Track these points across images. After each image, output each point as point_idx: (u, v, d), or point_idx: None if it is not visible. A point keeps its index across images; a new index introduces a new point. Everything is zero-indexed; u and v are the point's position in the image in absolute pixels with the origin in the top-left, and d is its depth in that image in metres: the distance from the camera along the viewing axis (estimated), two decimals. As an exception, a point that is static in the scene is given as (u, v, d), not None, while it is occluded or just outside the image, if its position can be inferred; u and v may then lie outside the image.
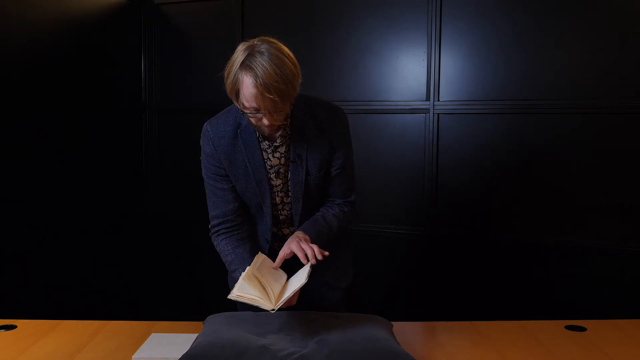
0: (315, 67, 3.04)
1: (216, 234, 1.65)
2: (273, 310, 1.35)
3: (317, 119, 1.58)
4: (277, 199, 1.63)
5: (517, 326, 1.63)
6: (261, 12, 3.19)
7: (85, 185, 3.06)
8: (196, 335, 1.46)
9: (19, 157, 2.64)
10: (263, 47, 1.39)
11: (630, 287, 2.58)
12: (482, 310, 2.83)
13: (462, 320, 1.69)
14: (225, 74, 1.44)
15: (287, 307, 1.49)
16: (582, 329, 1.60)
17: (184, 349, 1.36)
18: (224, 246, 1.63)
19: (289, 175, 1.60)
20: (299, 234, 1.54)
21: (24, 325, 1.64)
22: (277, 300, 1.37)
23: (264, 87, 1.36)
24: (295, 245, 1.45)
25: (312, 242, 1.50)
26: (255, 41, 1.42)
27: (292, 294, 1.38)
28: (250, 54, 1.38)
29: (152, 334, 1.52)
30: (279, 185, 1.62)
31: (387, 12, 2.93)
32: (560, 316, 1.77)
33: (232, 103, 1.51)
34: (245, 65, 1.38)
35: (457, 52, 2.82)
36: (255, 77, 1.36)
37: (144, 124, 3.51)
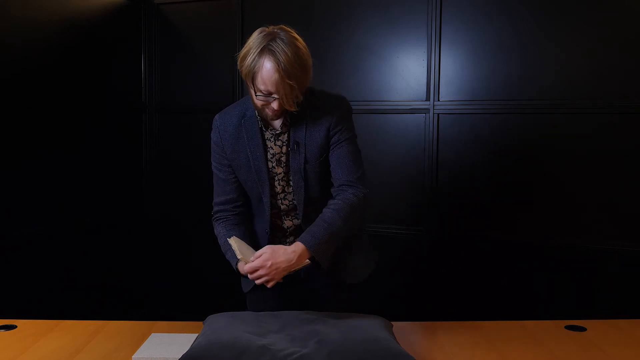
0: (315, 67, 2.99)
1: (215, 219, 1.72)
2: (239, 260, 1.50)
3: (317, 107, 1.61)
4: (279, 188, 1.65)
5: (517, 326, 1.63)
6: (261, 12, 3.18)
7: (85, 185, 3.05)
8: (196, 335, 1.46)
9: (18, 157, 2.64)
10: (283, 35, 1.46)
11: (630, 287, 2.58)
12: (482, 310, 2.83)
13: (462, 320, 1.69)
14: (241, 56, 1.48)
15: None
16: (582, 329, 1.60)
17: (184, 349, 1.37)
18: (219, 230, 1.68)
19: (290, 163, 1.61)
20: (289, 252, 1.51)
21: (24, 325, 1.64)
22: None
23: (284, 73, 1.42)
24: (260, 263, 1.47)
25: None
26: (275, 29, 1.48)
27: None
28: (273, 39, 1.44)
29: (152, 334, 1.52)
30: (280, 173, 1.63)
31: (387, 12, 2.93)
32: (560, 316, 1.77)
33: (230, 102, 1.53)
34: (268, 50, 1.43)
35: (457, 52, 2.82)
36: (278, 62, 1.42)
37: (144, 124, 3.51)
